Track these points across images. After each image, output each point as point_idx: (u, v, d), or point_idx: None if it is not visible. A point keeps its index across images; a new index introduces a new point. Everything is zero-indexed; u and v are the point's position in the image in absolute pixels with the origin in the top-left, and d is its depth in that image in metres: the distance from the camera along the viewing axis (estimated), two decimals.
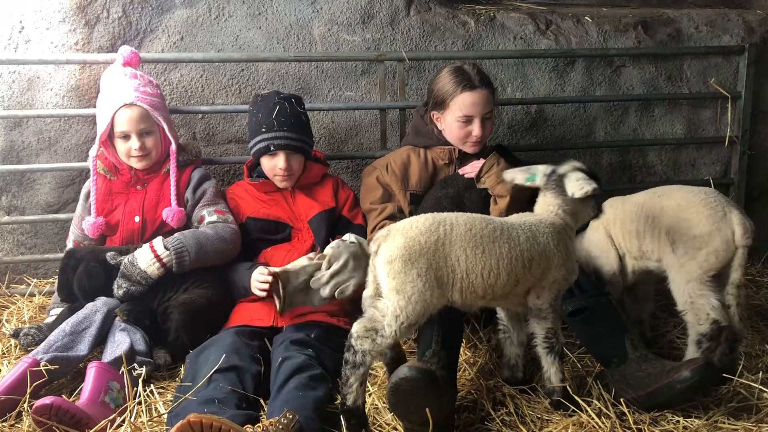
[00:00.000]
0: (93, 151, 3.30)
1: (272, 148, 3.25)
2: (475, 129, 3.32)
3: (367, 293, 2.48)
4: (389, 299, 2.38)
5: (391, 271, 2.38)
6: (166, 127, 3.29)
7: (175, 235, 3.14)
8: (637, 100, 4.27)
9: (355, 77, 3.98)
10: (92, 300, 3.01)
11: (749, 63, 4.21)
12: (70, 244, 3.39)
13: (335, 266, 2.77)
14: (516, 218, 2.65)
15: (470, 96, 3.29)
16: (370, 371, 2.83)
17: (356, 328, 2.39)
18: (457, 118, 3.31)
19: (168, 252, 3.05)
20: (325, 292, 2.78)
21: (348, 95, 3.98)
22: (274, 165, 3.29)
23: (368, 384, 2.69)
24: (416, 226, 2.43)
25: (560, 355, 2.63)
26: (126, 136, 3.24)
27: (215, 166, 3.84)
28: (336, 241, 2.83)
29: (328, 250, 2.79)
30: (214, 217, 3.26)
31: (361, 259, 2.77)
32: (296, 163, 3.33)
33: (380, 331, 2.37)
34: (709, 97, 4.30)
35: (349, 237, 2.83)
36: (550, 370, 2.63)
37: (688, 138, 4.35)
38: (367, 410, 2.50)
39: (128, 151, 3.25)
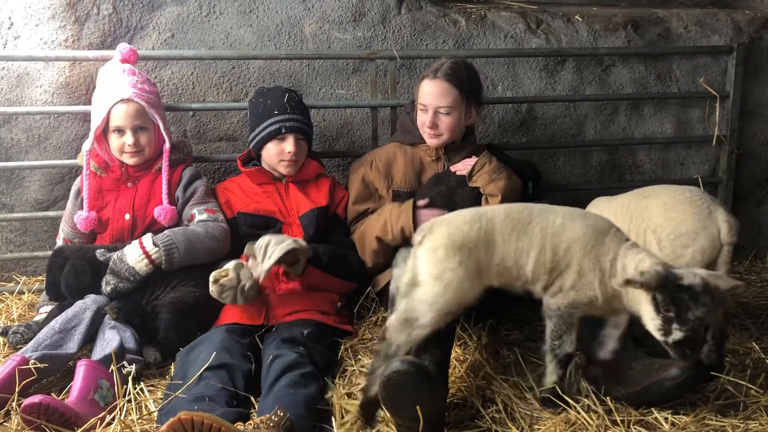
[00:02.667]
0: (87, 146, 3.28)
1: (284, 131, 3.30)
2: (427, 119, 3.35)
3: (404, 282, 2.47)
4: (426, 285, 2.39)
5: (433, 259, 2.41)
6: (161, 125, 3.28)
7: (165, 231, 3.12)
8: (626, 99, 4.28)
9: (347, 75, 3.98)
10: (80, 298, 2.99)
11: (737, 63, 4.23)
12: (60, 242, 3.37)
13: (263, 253, 2.90)
14: (563, 208, 2.60)
15: (427, 84, 3.35)
16: (361, 368, 2.84)
17: (392, 320, 2.39)
18: (418, 104, 3.40)
19: (157, 248, 3.03)
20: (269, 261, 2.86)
21: (339, 93, 3.98)
22: (282, 149, 3.32)
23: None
24: (459, 217, 2.52)
25: (561, 361, 2.60)
26: (120, 131, 3.23)
27: (206, 164, 3.83)
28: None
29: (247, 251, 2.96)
30: (204, 216, 3.26)
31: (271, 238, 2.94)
32: (302, 149, 3.38)
33: (415, 322, 2.37)
34: (698, 96, 4.32)
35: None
36: (547, 370, 2.64)
37: (677, 137, 4.37)
38: None
39: (121, 146, 3.24)
